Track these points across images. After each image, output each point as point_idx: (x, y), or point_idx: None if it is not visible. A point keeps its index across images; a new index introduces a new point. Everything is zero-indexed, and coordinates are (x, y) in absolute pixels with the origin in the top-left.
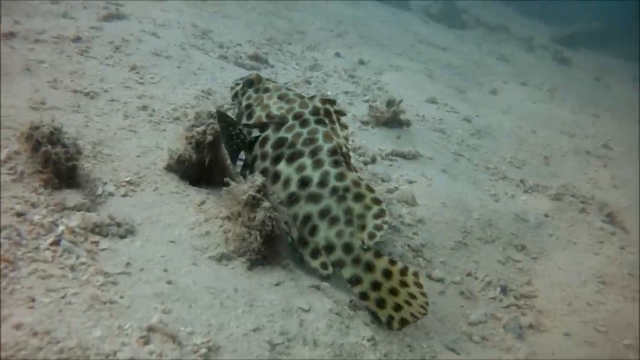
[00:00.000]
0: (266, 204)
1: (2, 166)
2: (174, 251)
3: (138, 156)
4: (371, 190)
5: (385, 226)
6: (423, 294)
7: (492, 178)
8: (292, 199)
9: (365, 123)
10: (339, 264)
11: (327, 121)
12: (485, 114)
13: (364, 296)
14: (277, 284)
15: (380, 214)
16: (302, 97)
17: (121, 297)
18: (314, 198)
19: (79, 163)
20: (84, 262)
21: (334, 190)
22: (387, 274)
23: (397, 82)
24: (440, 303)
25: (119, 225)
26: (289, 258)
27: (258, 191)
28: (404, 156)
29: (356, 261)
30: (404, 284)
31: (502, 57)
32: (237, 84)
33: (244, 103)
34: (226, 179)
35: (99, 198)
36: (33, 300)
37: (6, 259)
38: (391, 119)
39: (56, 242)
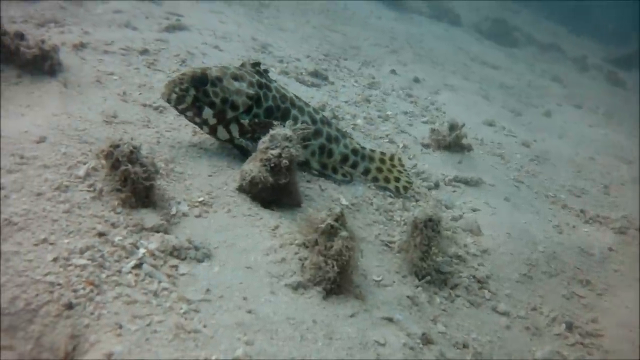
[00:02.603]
0: (344, 233)
1: (83, 182)
2: (251, 278)
3: (210, 175)
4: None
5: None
6: (405, 170)
7: (552, 207)
8: (307, 142)
9: (426, 146)
10: (353, 166)
11: (267, 79)
12: (542, 139)
13: (375, 179)
14: (351, 315)
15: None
16: (240, 69)
17: (204, 327)
18: (317, 133)
19: (155, 182)
20: (166, 288)
21: (322, 122)
22: (382, 160)
23: (454, 103)
24: (507, 338)
25: (196, 248)
26: (360, 286)
27: (336, 220)
28: (466, 182)
29: (363, 157)
30: (393, 166)
31: (555, 77)
32: (187, 89)
33: (217, 100)
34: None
35: (173, 218)
36: (120, 327)
37: (91, 282)
38: (453, 143)
39: (138, 266)
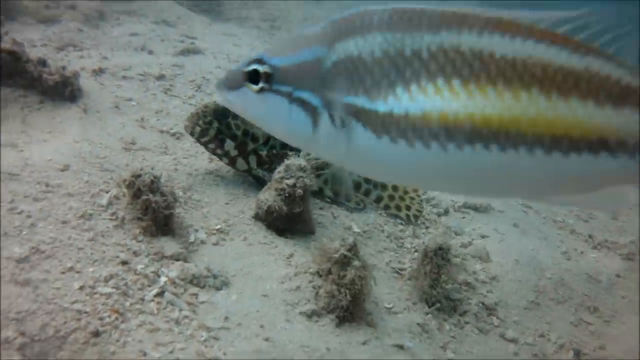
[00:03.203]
0: (357, 263)
1: (105, 211)
2: (267, 306)
3: (226, 203)
4: None
5: None
6: (418, 197)
7: (560, 232)
8: (320, 172)
9: None
10: (366, 193)
11: None
12: None
13: (387, 207)
14: (363, 343)
15: None
16: None
17: (224, 354)
18: None
19: (175, 211)
20: (187, 316)
21: None
22: (394, 188)
23: None
24: None
25: (215, 277)
26: (371, 314)
27: (349, 250)
28: (475, 209)
29: (375, 185)
30: (405, 193)
31: None
32: (210, 122)
33: (239, 132)
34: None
35: (192, 246)
36: (145, 354)
37: (116, 310)
38: None
39: (160, 294)
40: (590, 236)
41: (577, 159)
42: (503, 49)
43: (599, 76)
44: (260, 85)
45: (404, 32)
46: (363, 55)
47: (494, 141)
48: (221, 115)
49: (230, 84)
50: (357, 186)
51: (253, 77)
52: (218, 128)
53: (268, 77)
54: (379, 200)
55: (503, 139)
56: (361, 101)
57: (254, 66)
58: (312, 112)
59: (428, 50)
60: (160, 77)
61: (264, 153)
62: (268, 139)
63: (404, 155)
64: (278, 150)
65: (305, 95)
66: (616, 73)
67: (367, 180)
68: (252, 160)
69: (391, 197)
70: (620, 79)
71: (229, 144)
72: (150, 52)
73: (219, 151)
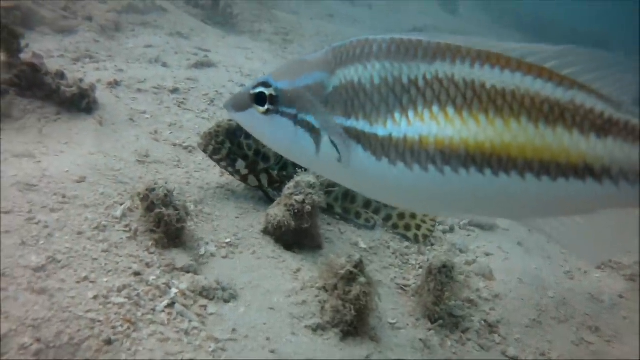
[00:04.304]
0: (362, 279)
1: (119, 222)
2: (274, 318)
3: (237, 217)
4: None
5: None
6: (431, 219)
7: (564, 252)
8: (330, 189)
9: None
10: (376, 212)
11: None
12: None
13: (395, 226)
14: (367, 357)
15: None
16: None
17: None
18: None
19: (186, 224)
20: (196, 327)
21: None
22: None
23: None
24: None
25: (224, 289)
26: (375, 329)
27: (355, 267)
28: (481, 227)
29: (385, 204)
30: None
31: None
32: (223, 142)
33: (250, 152)
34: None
35: (202, 259)
36: None
37: (128, 320)
38: None
39: (171, 305)
40: None
41: (565, 184)
42: (494, 80)
43: (583, 108)
44: (267, 107)
45: (401, 61)
46: (363, 82)
47: (487, 165)
48: (233, 135)
49: (238, 105)
50: (366, 204)
51: (259, 99)
52: (230, 148)
53: (273, 100)
54: (388, 218)
55: (495, 163)
56: (361, 125)
57: (260, 89)
58: (315, 134)
59: (424, 79)
60: (174, 91)
61: (275, 173)
62: (280, 159)
63: (403, 177)
64: (289, 172)
65: (309, 117)
66: (599, 106)
67: None
68: (264, 178)
69: (401, 216)
70: (603, 111)
71: (240, 164)
72: (165, 65)
73: (230, 169)
